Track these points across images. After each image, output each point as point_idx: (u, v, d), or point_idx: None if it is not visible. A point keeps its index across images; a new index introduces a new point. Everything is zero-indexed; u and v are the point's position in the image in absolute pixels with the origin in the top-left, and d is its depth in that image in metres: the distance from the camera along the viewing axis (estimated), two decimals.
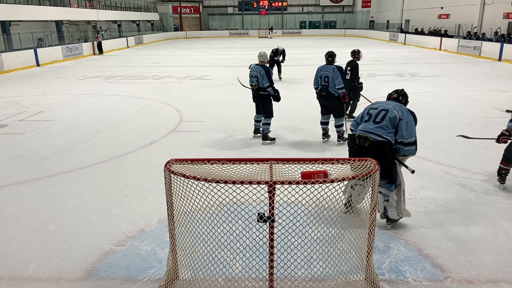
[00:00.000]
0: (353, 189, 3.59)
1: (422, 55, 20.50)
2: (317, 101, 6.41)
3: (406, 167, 3.60)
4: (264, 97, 6.18)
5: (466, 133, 6.09)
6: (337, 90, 6.01)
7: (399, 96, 3.81)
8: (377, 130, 3.53)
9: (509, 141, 4.51)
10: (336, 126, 6.26)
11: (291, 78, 13.05)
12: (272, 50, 12.54)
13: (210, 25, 46.34)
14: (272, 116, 6.34)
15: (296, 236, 2.71)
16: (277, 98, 6.20)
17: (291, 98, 9.79)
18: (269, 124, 6.36)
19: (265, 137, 6.37)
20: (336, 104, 6.14)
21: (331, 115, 6.32)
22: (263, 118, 6.36)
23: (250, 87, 6.31)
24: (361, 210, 2.85)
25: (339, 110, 6.21)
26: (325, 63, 6.24)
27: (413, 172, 3.54)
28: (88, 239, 3.61)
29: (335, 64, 6.14)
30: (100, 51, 23.21)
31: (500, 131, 4.61)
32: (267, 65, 6.32)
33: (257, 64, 6.19)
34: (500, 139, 4.41)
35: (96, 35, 23.55)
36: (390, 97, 3.87)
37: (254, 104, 6.48)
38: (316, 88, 6.27)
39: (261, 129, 6.44)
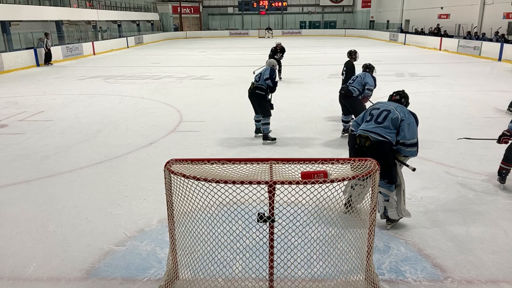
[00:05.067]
0: (353, 189, 3.60)
1: (422, 55, 20.49)
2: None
3: (407, 165, 3.61)
4: (260, 96, 6.26)
5: (466, 133, 6.11)
6: (355, 88, 6.33)
7: (401, 98, 3.85)
8: (378, 130, 3.54)
9: (510, 141, 4.51)
10: (345, 121, 6.62)
11: (291, 78, 13.05)
12: (271, 49, 12.52)
13: (210, 25, 46.35)
14: (270, 115, 6.37)
15: (296, 236, 2.71)
16: (273, 89, 6.31)
17: (291, 98, 9.80)
18: (269, 123, 6.38)
19: (265, 137, 6.39)
20: (353, 105, 6.41)
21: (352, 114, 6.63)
22: (261, 118, 6.39)
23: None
24: (361, 210, 2.85)
25: (360, 110, 6.28)
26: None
27: (414, 170, 3.56)
28: (88, 239, 3.61)
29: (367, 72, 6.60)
30: (48, 60, 17.69)
31: (500, 131, 4.62)
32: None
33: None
34: (501, 139, 4.42)
35: (45, 40, 17.45)
36: (391, 98, 3.90)
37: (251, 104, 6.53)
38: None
39: (261, 129, 6.47)
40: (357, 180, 3.02)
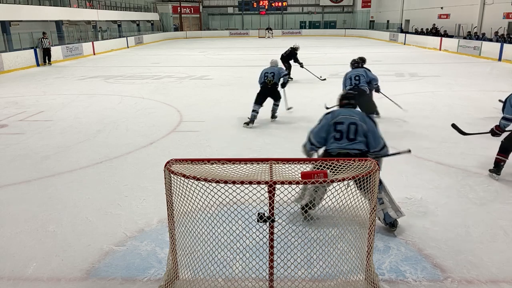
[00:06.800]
0: (316, 191, 3.57)
1: (422, 55, 20.49)
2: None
3: (400, 153, 3.71)
4: (276, 87, 7.47)
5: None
6: (365, 86, 6.83)
7: (353, 101, 3.86)
8: (355, 146, 3.56)
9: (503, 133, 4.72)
10: None
11: (291, 78, 13.03)
12: (291, 51, 12.29)
13: (210, 25, 46.34)
14: (280, 98, 7.63)
15: (296, 236, 2.71)
16: (284, 85, 7.68)
17: (291, 98, 9.77)
18: (278, 105, 7.71)
19: (274, 116, 7.71)
20: (367, 102, 6.78)
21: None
22: (276, 105, 7.65)
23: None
24: (360, 212, 2.85)
25: (370, 105, 6.90)
26: (351, 68, 7.21)
27: (409, 151, 3.68)
28: (88, 239, 3.61)
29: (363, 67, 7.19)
30: (48, 60, 17.83)
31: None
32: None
33: (271, 67, 7.58)
34: (494, 135, 4.76)
35: (41, 39, 17.59)
36: (343, 104, 3.85)
37: (259, 96, 7.36)
38: (349, 89, 6.83)
39: (272, 110, 7.66)
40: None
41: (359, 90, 6.70)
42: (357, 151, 3.54)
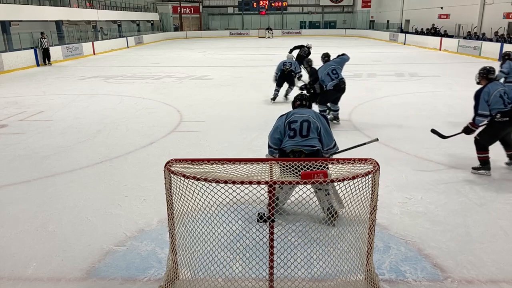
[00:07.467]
0: (281, 188, 3.58)
1: (422, 55, 20.49)
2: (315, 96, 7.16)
3: (365, 143, 3.94)
4: (293, 75, 9.17)
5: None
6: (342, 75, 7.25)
7: (306, 102, 3.99)
8: (308, 142, 3.65)
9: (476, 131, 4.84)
10: (337, 110, 7.40)
11: None
12: (304, 51, 11.30)
13: (210, 25, 46.33)
14: (294, 85, 9.15)
15: (296, 236, 2.71)
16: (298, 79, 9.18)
17: (291, 98, 9.79)
18: (292, 89, 9.22)
19: (286, 96, 9.30)
20: (343, 92, 7.26)
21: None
22: (290, 88, 9.28)
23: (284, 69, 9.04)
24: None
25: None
26: (322, 63, 7.50)
27: (377, 140, 3.93)
28: (88, 239, 3.61)
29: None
30: (48, 60, 17.90)
31: None
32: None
33: (288, 59, 9.44)
34: (468, 133, 4.87)
35: (40, 39, 17.65)
36: (296, 105, 4.01)
37: (279, 79, 9.16)
38: (336, 84, 7.01)
39: (288, 93, 9.29)
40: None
41: (344, 82, 7.12)
42: (310, 148, 3.63)
